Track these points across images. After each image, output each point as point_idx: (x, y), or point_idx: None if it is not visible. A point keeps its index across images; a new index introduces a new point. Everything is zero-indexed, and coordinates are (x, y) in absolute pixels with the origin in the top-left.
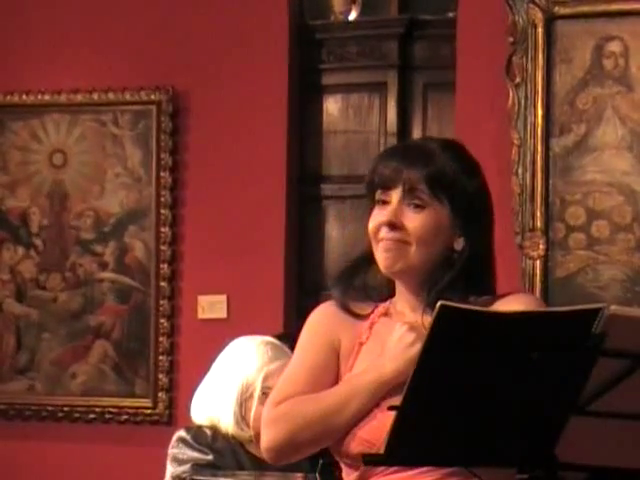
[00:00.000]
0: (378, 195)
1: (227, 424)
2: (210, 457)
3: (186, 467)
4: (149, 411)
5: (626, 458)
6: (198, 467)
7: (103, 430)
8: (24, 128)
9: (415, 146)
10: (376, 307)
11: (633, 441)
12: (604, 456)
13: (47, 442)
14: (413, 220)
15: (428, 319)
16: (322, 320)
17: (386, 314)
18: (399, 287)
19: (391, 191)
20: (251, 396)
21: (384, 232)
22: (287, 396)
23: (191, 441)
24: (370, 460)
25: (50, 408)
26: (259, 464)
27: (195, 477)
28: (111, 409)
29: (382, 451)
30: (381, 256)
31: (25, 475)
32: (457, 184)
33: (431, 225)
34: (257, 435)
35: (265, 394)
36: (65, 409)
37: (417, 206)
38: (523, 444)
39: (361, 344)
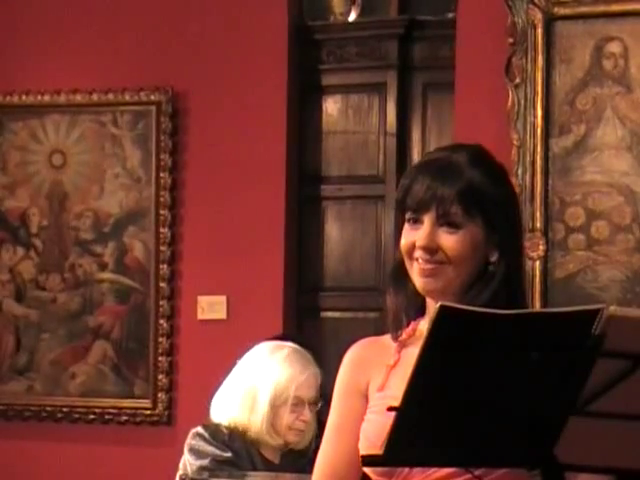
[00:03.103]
0: (409, 214)
1: (258, 430)
2: (229, 454)
3: (206, 461)
4: (148, 412)
5: (625, 458)
6: (217, 463)
7: (103, 431)
8: (24, 128)
9: (444, 162)
10: (402, 327)
11: (632, 442)
12: (603, 456)
13: (46, 443)
14: (449, 241)
15: None
16: (346, 378)
17: (414, 335)
18: (431, 306)
19: (424, 214)
20: (284, 403)
21: (420, 254)
22: (327, 471)
23: (209, 437)
24: (369, 461)
25: (49, 409)
26: (271, 468)
27: (216, 472)
28: (110, 410)
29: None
30: (420, 279)
31: (24, 475)
32: (489, 199)
33: (467, 244)
34: (286, 443)
35: (295, 404)
36: (64, 410)
37: (452, 227)
38: (522, 444)
39: (389, 367)
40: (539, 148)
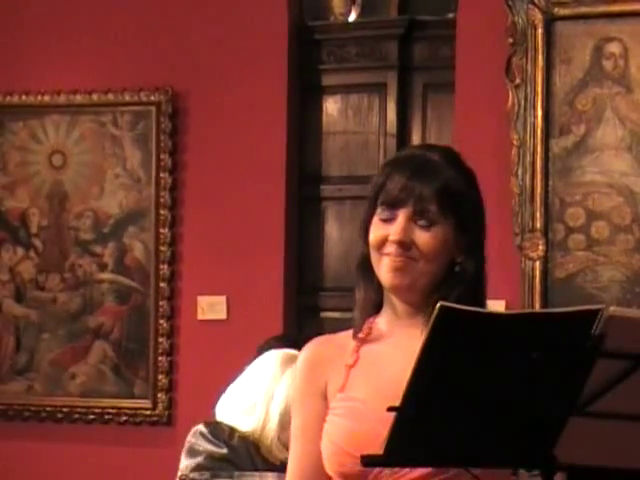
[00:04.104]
0: (382, 209)
1: (266, 440)
2: (225, 451)
3: (200, 458)
4: (148, 412)
5: (625, 459)
6: (212, 459)
7: (102, 431)
8: (24, 129)
9: (420, 160)
10: (363, 323)
11: (632, 442)
12: (603, 457)
13: (46, 443)
14: (423, 238)
15: None
16: (304, 379)
17: (370, 333)
18: (395, 303)
19: (399, 209)
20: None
21: (392, 249)
22: (295, 478)
23: (209, 435)
24: (369, 461)
25: (49, 409)
26: (272, 469)
27: (215, 470)
28: (110, 410)
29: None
30: (388, 274)
31: (24, 476)
32: (463, 200)
33: (440, 242)
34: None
35: None
36: (64, 410)
37: (426, 223)
38: (523, 444)
39: (348, 366)
40: (539, 148)
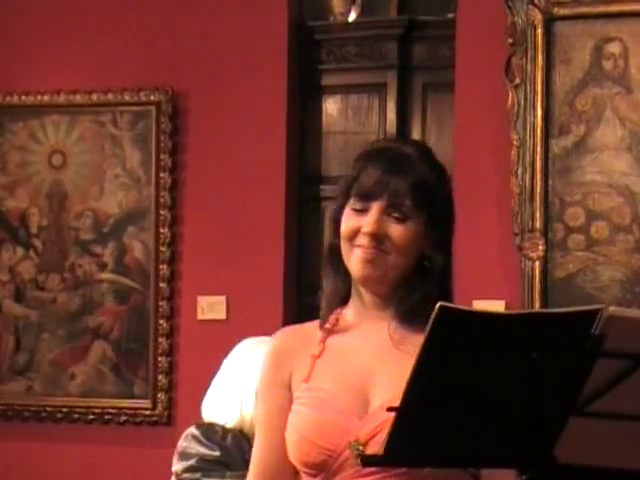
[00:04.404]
0: (355, 201)
1: (246, 424)
2: (217, 453)
3: (192, 461)
4: (148, 412)
5: (625, 459)
6: (204, 462)
7: (102, 431)
8: (23, 129)
9: (395, 153)
10: (331, 314)
11: (632, 442)
12: (603, 457)
13: (46, 443)
14: (396, 231)
15: (399, 331)
16: (269, 369)
17: (337, 324)
18: (363, 295)
19: (372, 202)
20: None
21: (364, 241)
22: (259, 472)
23: (201, 437)
24: (369, 461)
25: (49, 409)
26: None
27: (205, 471)
28: (110, 410)
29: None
30: (359, 265)
31: (24, 476)
32: (436, 195)
33: (412, 236)
34: None
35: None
36: (64, 410)
37: (400, 217)
38: (522, 445)
39: (314, 357)
40: (539, 148)
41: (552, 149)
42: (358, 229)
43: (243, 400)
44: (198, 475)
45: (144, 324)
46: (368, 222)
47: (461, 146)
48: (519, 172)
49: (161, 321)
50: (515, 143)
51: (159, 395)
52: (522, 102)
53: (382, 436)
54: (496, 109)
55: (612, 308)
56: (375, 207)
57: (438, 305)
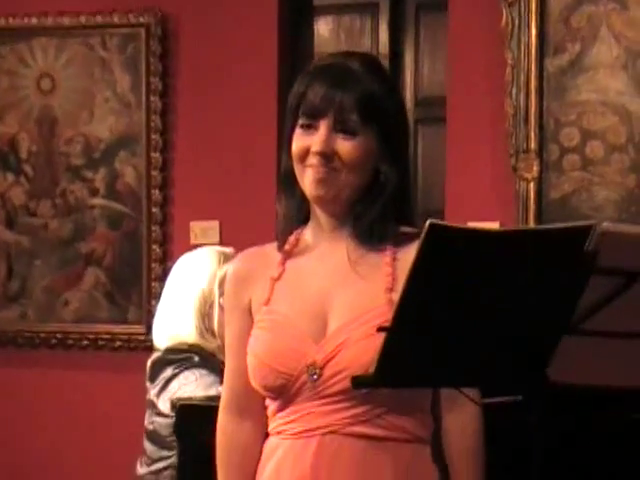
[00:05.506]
0: (303, 120)
1: (190, 338)
2: (184, 347)
3: (159, 353)
4: (142, 337)
5: (618, 377)
6: (171, 352)
7: (96, 357)
8: (11, 52)
9: (341, 68)
10: (289, 235)
11: (624, 360)
12: (596, 375)
13: (41, 369)
14: (345, 147)
15: (355, 250)
16: (230, 293)
17: (297, 245)
18: (319, 215)
19: (320, 119)
20: (211, 306)
21: (314, 160)
22: (229, 397)
23: (168, 355)
24: (359, 382)
25: (43, 335)
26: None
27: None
28: (104, 336)
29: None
30: (312, 185)
31: (19, 402)
32: (385, 108)
33: (362, 151)
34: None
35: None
36: (58, 336)
37: (348, 133)
38: (515, 364)
39: (273, 279)
40: (533, 68)
41: (547, 68)
42: (308, 149)
43: (195, 314)
44: (169, 371)
45: (137, 250)
46: (316, 141)
47: (455, 67)
48: (513, 92)
49: (154, 246)
50: (509, 62)
51: (153, 321)
52: (516, 21)
53: (339, 359)
54: (490, 28)
55: (606, 224)
56: (323, 125)
57: (428, 222)
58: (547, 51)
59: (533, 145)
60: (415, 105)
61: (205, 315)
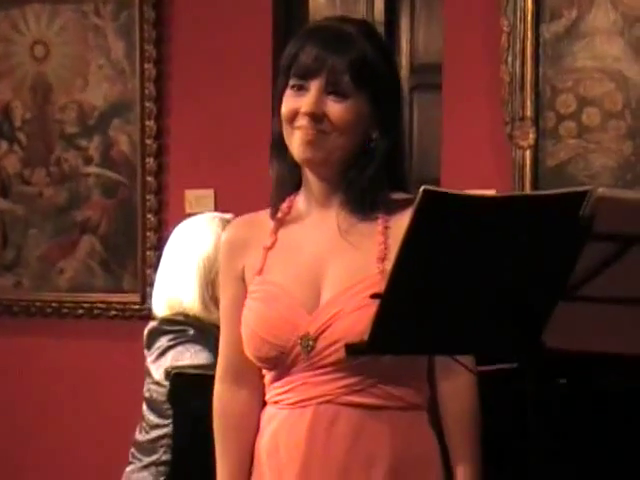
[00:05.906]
0: (294, 81)
1: (193, 308)
2: (180, 318)
3: (154, 323)
4: (137, 306)
5: (613, 343)
6: (166, 322)
7: (92, 325)
8: (5, 19)
9: (335, 31)
10: (282, 202)
11: (621, 326)
12: (591, 341)
13: (36, 338)
14: (335, 109)
15: (346, 219)
16: (224, 262)
17: (290, 213)
18: (311, 181)
19: (311, 80)
20: (217, 274)
21: (304, 121)
22: (225, 366)
23: (164, 326)
24: (353, 350)
25: (38, 304)
26: None
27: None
28: (99, 304)
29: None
30: (300, 147)
31: (14, 371)
32: (378, 73)
33: (353, 114)
34: None
35: None
36: (53, 305)
37: (339, 95)
38: (510, 331)
39: (266, 248)
40: (529, 34)
41: (543, 35)
42: (297, 110)
43: (198, 283)
44: (163, 341)
45: (132, 218)
46: (306, 102)
47: (450, 34)
48: (509, 59)
49: (149, 215)
50: (505, 29)
51: (148, 289)
52: None
53: (332, 331)
54: None
55: (601, 189)
56: (313, 86)
57: (422, 188)
58: (543, 17)
59: (529, 112)
60: (411, 72)
61: (209, 282)
